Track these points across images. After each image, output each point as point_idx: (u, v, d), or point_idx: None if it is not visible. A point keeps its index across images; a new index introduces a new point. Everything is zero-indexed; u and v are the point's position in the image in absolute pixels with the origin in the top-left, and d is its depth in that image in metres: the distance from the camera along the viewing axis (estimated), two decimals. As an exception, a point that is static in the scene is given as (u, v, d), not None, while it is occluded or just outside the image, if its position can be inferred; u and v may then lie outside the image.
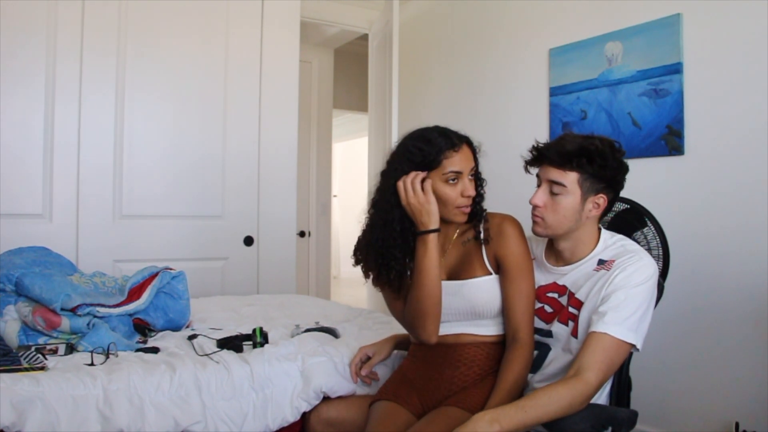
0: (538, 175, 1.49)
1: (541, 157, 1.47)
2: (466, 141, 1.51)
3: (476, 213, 1.55)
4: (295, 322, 2.05)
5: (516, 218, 1.55)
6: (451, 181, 1.47)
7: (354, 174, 8.38)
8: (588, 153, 1.39)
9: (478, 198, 1.55)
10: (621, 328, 1.31)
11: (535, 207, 1.47)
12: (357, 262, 1.60)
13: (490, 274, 1.51)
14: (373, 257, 1.53)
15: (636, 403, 1.53)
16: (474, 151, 1.53)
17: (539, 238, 1.57)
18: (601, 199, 1.44)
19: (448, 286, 1.53)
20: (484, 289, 1.50)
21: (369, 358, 1.68)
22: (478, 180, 1.55)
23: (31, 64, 2.50)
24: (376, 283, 1.56)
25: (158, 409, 1.43)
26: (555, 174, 1.42)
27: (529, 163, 1.51)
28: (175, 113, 2.84)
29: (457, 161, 1.47)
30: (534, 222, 1.49)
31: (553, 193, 1.43)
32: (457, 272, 1.54)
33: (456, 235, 1.57)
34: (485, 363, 1.50)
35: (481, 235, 1.53)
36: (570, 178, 1.41)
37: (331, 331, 1.89)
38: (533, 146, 1.49)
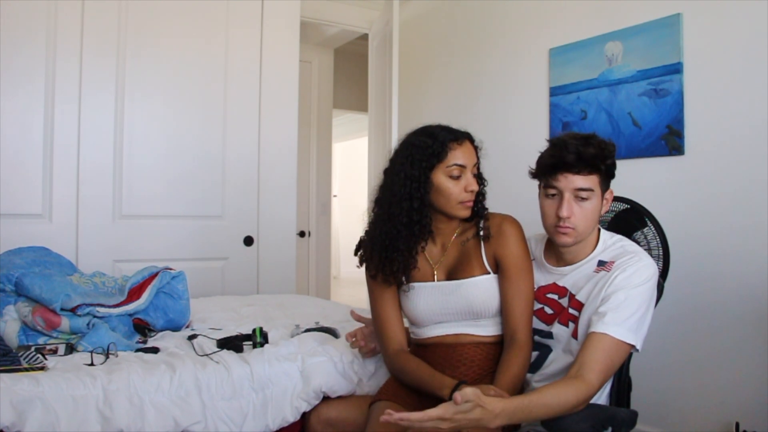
0: (553, 186, 1.43)
1: (559, 167, 1.41)
2: (468, 137, 1.53)
3: (478, 211, 1.55)
4: (295, 322, 2.05)
5: (516, 219, 1.54)
6: (454, 175, 1.47)
7: (354, 174, 8.38)
8: (609, 154, 1.41)
9: (480, 196, 1.55)
10: (621, 329, 1.31)
11: (564, 219, 1.41)
12: (361, 261, 1.61)
13: (489, 273, 1.51)
14: (377, 252, 1.53)
15: (636, 403, 1.53)
16: (476, 148, 1.54)
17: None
18: (609, 194, 1.47)
19: (445, 286, 1.53)
20: (482, 288, 1.50)
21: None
22: (480, 178, 1.55)
23: (31, 64, 2.50)
24: (381, 279, 1.55)
25: (158, 409, 1.43)
26: (581, 181, 1.40)
27: (542, 174, 1.46)
28: (175, 113, 2.84)
29: (460, 155, 1.48)
30: (563, 234, 1.43)
31: (580, 199, 1.41)
32: (455, 272, 1.54)
33: (456, 234, 1.57)
34: (485, 363, 1.50)
35: (481, 233, 1.53)
36: (594, 182, 1.42)
37: (331, 331, 1.89)
38: (544, 156, 1.45)
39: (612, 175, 1.46)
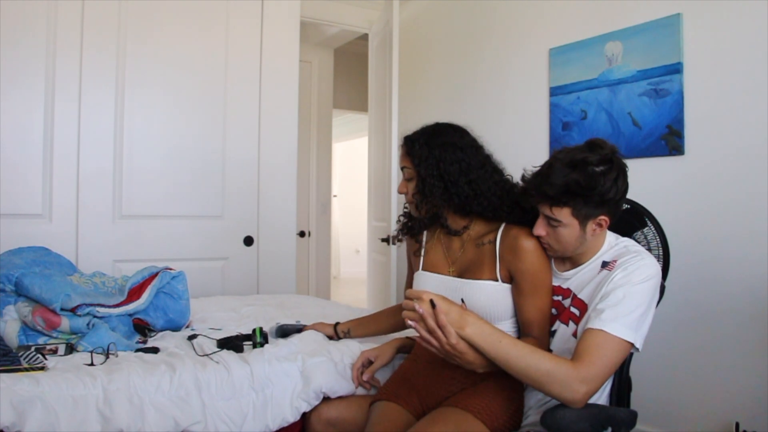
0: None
1: (528, 194, 1.44)
2: (404, 142, 1.59)
3: (463, 205, 1.52)
4: (292, 322, 2.05)
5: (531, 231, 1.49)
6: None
7: (354, 174, 8.38)
8: (573, 191, 1.35)
9: (418, 199, 1.56)
10: (617, 325, 1.29)
11: (537, 236, 1.45)
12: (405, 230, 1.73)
13: (497, 281, 1.50)
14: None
15: (636, 403, 1.53)
16: (408, 151, 1.57)
17: None
18: (603, 221, 1.41)
19: (451, 282, 1.54)
20: (485, 293, 1.50)
21: (371, 363, 1.68)
22: (422, 182, 1.54)
23: (31, 63, 2.50)
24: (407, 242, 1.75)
25: (158, 409, 1.43)
26: (547, 210, 1.40)
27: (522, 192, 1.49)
28: (174, 113, 2.84)
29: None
30: (544, 247, 1.48)
31: (551, 225, 1.41)
32: (465, 271, 1.55)
33: (474, 235, 1.57)
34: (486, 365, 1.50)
35: (497, 247, 1.51)
36: (563, 214, 1.38)
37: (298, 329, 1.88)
38: (525, 178, 1.46)
39: (601, 204, 1.37)
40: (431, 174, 1.52)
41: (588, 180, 1.34)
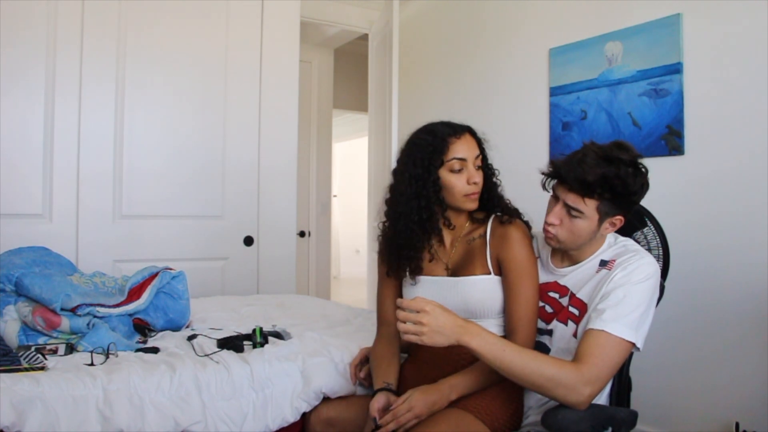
0: (553, 188, 1.45)
1: (560, 178, 1.42)
2: (468, 130, 1.55)
3: (490, 201, 1.56)
4: (293, 322, 2.05)
5: (522, 223, 1.54)
6: (455, 169, 1.50)
7: (354, 174, 8.38)
8: (611, 185, 1.35)
9: (492, 186, 1.57)
10: (619, 326, 1.29)
11: (550, 223, 1.43)
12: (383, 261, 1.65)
13: (490, 273, 1.51)
14: (394, 252, 1.57)
15: (636, 403, 1.53)
16: (478, 140, 1.56)
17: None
18: (618, 220, 1.41)
19: (445, 282, 1.54)
20: (479, 287, 1.50)
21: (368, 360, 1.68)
22: (489, 169, 1.57)
23: (31, 64, 2.50)
24: (394, 276, 1.62)
25: (158, 409, 1.43)
26: (573, 199, 1.38)
27: (550, 175, 1.47)
28: (175, 113, 2.84)
29: (459, 148, 1.50)
30: (546, 236, 1.47)
31: (570, 215, 1.40)
32: (458, 269, 1.55)
33: (464, 233, 1.58)
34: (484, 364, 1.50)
35: (487, 236, 1.53)
36: (589, 206, 1.37)
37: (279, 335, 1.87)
38: (555, 162, 1.44)
39: (625, 203, 1.39)
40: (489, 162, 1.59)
41: (624, 177, 1.35)
